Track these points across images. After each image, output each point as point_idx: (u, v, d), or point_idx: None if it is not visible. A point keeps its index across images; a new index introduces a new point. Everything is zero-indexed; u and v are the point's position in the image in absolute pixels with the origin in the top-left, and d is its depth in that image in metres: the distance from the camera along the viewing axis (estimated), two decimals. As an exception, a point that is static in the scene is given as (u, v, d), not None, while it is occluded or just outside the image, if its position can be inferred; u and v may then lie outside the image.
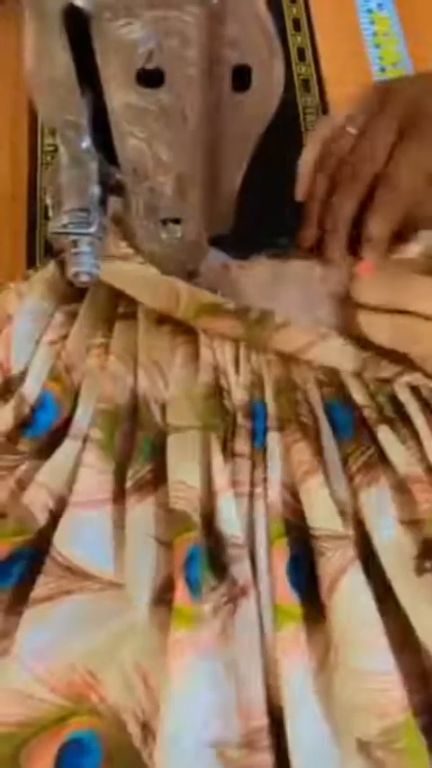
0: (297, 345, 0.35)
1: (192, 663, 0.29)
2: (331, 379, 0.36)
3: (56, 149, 0.45)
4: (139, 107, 0.23)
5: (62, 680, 0.29)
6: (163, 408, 0.36)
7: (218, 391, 0.36)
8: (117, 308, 0.39)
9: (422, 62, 0.47)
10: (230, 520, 0.32)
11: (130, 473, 0.34)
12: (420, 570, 0.31)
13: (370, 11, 0.49)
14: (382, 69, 0.47)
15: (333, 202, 0.36)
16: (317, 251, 0.38)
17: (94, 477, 0.34)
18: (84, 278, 0.28)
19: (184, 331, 0.38)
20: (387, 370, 0.35)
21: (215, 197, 0.30)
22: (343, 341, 0.35)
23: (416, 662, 0.29)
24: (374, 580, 0.30)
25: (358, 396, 0.35)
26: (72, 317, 0.39)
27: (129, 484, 0.34)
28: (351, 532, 0.32)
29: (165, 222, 0.30)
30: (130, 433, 0.36)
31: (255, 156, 0.30)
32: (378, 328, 0.34)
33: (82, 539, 0.32)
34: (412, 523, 0.32)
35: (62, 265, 0.39)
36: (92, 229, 0.27)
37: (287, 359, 0.37)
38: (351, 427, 0.35)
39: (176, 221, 0.30)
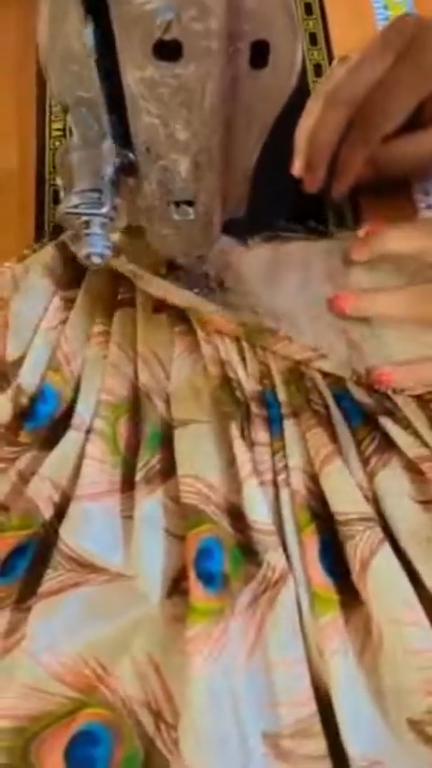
0: (295, 359, 0.36)
1: (213, 657, 0.29)
2: (330, 373, 0.36)
3: (64, 134, 0.44)
4: (155, 82, 0.23)
5: (73, 673, 0.29)
6: (167, 401, 0.36)
7: (227, 382, 0.36)
8: (116, 293, 0.38)
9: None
10: (258, 508, 0.32)
11: (139, 465, 0.34)
12: None
13: (383, -5, 0.48)
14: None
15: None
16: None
17: (100, 469, 0.34)
18: (96, 259, 0.27)
19: (182, 320, 0.37)
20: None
21: (229, 179, 0.30)
22: (339, 358, 0.35)
23: None
24: (401, 560, 0.30)
25: (357, 391, 0.36)
26: (71, 302, 0.38)
27: (138, 476, 0.33)
28: (375, 515, 0.32)
29: (177, 204, 0.29)
30: (134, 424, 0.35)
31: (268, 141, 0.29)
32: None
33: (89, 531, 0.32)
34: (429, 503, 0.32)
35: (62, 248, 0.39)
36: (104, 210, 0.26)
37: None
38: (359, 415, 0.35)
39: (189, 203, 0.29)
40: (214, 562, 0.30)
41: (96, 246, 0.27)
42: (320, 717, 0.28)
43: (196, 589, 0.30)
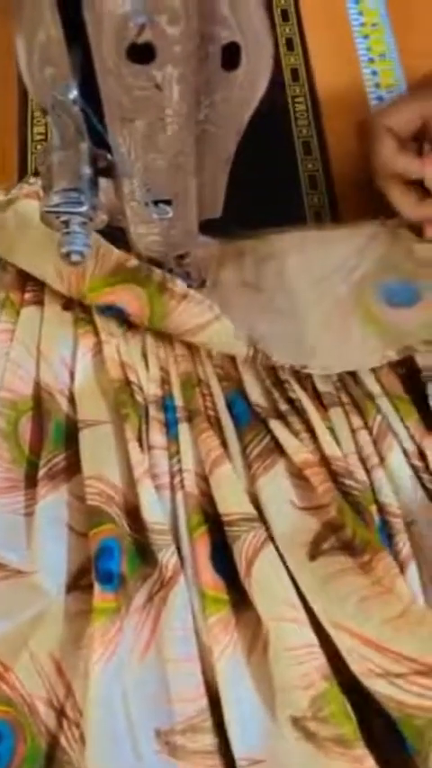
0: (192, 325, 0.35)
1: (111, 655, 0.29)
2: (228, 373, 0.37)
3: (45, 138, 0.45)
4: (129, 84, 0.23)
5: None
6: (71, 400, 0.36)
7: (127, 384, 0.36)
8: (24, 292, 0.39)
9: (410, 53, 0.48)
10: (153, 509, 0.33)
11: (42, 462, 0.34)
12: (313, 555, 0.32)
13: (358, 2, 0.50)
14: (371, 60, 0.48)
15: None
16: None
17: (1, 466, 0.34)
18: (75, 257, 0.28)
19: (88, 322, 0.38)
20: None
21: (206, 179, 0.31)
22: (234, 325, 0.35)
23: (331, 642, 0.30)
24: (283, 563, 0.31)
25: (253, 392, 0.36)
26: None
27: (41, 472, 0.34)
28: (258, 516, 0.32)
29: (156, 203, 0.30)
30: (36, 421, 0.36)
31: (243, 143, 0.30)
32: None
33: None
34: (312, 509, 0.33)
35: None
36: (83, 208, 0.27)
37: (192, 353, 0.37)
38: (249, 418, 0.36)
39: (168, 202, 0.30)
40: (113, 562, 0.31)
41: (76, 245, 0.28)
42: (212, 713, 0.29)
43: (95, 588, 0.30)
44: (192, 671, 0.30)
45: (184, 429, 0.35)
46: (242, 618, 0.31)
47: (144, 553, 0.32)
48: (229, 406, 0.36)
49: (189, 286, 0.39)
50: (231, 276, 0.39)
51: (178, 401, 0.36)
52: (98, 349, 0.38)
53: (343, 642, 0.29)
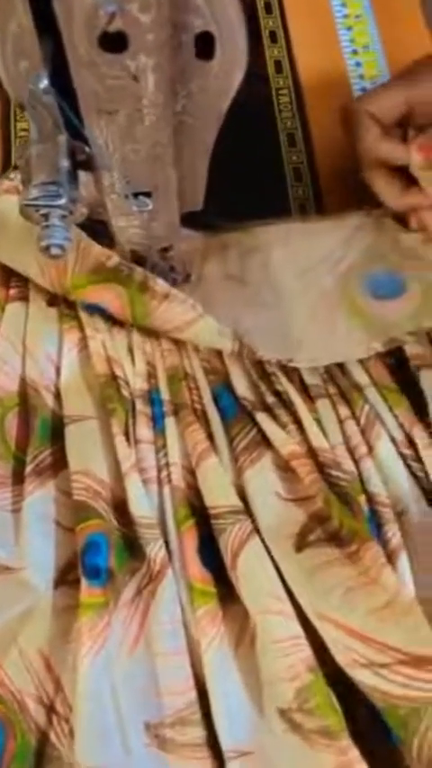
0: (175, 323, 0.35)
1: (99, 648, 0.29)
2: (215, 367, 0.37)
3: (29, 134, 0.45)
4: (103, 74, 0.23)
5: None
6: (56, 396, 0.36)
7: (113, 379, 0.36)
8: (9, 288, 0.39)
9: (394, 44, 0.48)
10: (140, 503, 0.32)
11: (28, 458, 0.34)
12: (299, 547, 0.32)
13: (341, -7, 0.49)
14: (354, 51, 0.47)
15: None
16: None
17: None
18: (55, 251, 0.28)
19: (73, 317, 0.38)
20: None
21: (185, 171, 0.31)
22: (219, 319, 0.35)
23: (318, 634, 0.29)
24: (269, 555, 0.31)
25: (240, 386, 0.36)
26: None
27: (28, 469, 0.34)
28: (244, 508, 0.32)
29: (136, 195, 0.30)
30: (22, 418, 0.36)
31: (228, 135, 0.30)
32: None
33: None
34: (299, 501, 0.33)
35: None
36: (62, 201, 0.27)
37: (179, 347, 0.37)
38: (236, 411, 0.36)
39: (147, 194, 0.30)
40: (100, 557, 0.31)
41: (56, 238, 0.28)
42: (200, 706, 0.29)
43: (82, 584, 0.30)
44: (181, 664, 0.29)
45: (170, 423, 0.35)
46: (230, 611, 0.31)
47: (132, 547, 0.32)
48: (216, 400, 0.36)
49: (174, 280, 0.39)
50: (216, 270, 0.39)
51: (165, 395, 0.36)
52: (84, 344, 0.37)
53: (328, 633, 0.29)
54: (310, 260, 0.39)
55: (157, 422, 0.36)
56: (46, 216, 0.28)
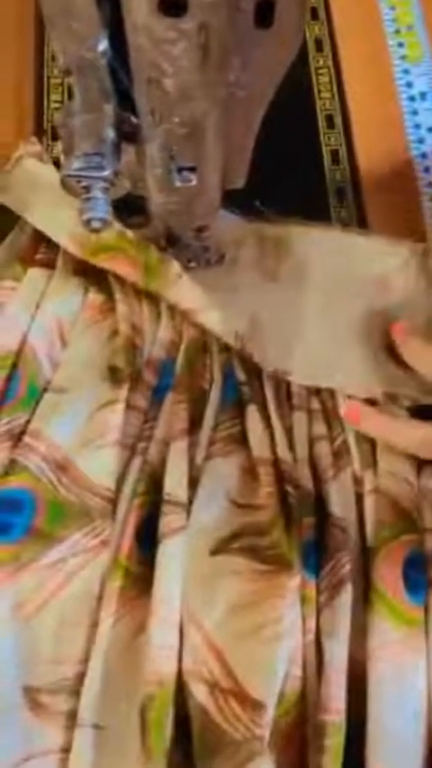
0: (189, 305, 0.35)
1: None
2: (228, 345, 0.36)
3: (62, 104, 0.44)
4: (160, 39, 0.22)
5: None
6: (55, 366, 0.36)
7: (131, 345, 0.36)
8: (36, 252, 0.38)
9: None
10: (97, 469, 0.32)
11: (5, 418, 0.34)
12: (216, 550, 0.31)
13: (385, -28, 0.48)
14: (397, 31, 0.46)
15: None
16: None
17: None
18: (96, 224, 0.27)
19: (101, 282, 0.37)
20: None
21: (230, 146, 0.30)
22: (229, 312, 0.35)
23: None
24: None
25: (241, 374, 0.36)
26: None
27: (2, 430, 0.33)
28: (186, 502, 0.32)
29: (180, 170, 0.29)
30: (11, 377, 0.35)
31: (266, 116, 0.29)
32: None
33: None
34: (245, 507, 0.32)
35: None
36: (105, 173, 0.26)
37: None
38: (235, 397, 0.35)
39: (192, 169, 0.29)
40: (18, 515, 0.31)
41: (97, 211, 0.27)
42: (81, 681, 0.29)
43: None
44: (75, 637, 0.30)
45: (168, 396, 0.35)
46: (143, 598, 0.30)
47: (73, 511, 0.32)
48: (225, 378, 0.36)
49: (207, 260, 0.38)
50: (250, 257, 0.38)
51: (178, 368, 0.36)
52: (100, 317, 0.37)
53: (190, 638, 0.29)
54: (347, 281, 0.38)
55: (157, 393, 0.35)
56: (88, 188, 0.27)
